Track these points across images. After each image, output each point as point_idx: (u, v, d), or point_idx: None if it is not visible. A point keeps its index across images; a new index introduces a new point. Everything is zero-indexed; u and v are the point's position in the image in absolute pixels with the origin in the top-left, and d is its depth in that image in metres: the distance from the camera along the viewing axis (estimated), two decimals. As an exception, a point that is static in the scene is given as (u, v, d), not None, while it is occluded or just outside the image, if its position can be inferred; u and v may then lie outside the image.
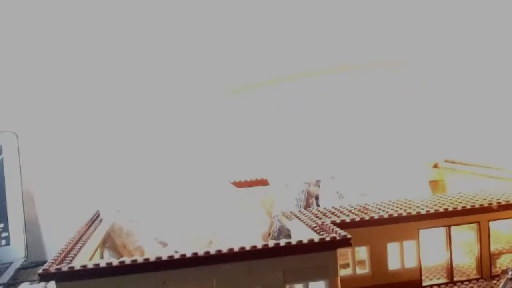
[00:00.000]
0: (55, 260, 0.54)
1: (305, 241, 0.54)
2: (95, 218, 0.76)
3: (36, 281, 0.90)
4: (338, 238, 0.55)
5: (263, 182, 1.00)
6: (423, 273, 0.74)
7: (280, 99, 1.03)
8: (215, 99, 1.07)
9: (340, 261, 0.61)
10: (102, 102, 1.09)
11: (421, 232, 0.73)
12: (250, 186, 0.99)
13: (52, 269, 0.50)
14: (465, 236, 0.80)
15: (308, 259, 0.54)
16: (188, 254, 0.53)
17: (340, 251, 0.68)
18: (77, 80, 1.08)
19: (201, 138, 1.08)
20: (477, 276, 0.74)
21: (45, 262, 1.01)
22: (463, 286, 0.73)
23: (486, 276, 0.74)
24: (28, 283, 0.89)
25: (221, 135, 1.09)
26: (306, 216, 0.69)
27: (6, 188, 1.06)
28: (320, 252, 0.55)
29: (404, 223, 0.70)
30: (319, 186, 0.85)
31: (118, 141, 1.08)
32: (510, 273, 0.57)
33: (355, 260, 0.73)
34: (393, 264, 0.72)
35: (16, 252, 1.04)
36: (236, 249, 0.53)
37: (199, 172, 1.03)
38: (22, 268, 0.98)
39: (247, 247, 0.53)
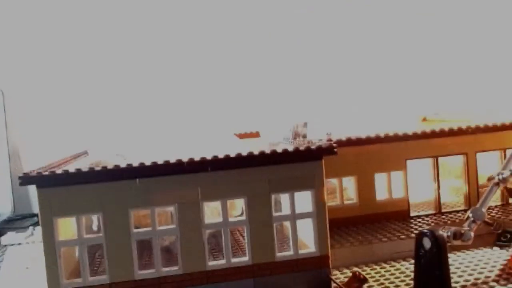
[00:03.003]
0: (37, 169, 0.53)
1: (290, 149, 0.54)
2: (82, 154, 0.76)
3: (24, 228, 0.90)
4: (323, 146, 0.54)
5: (255, 135, 1.00)
6: (411, 207, 0.74)
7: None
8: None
9: (328, 201, 0.60)
10: (90, 51, 1.07)
11: (409, 163, 0.73)
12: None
13: (33, 173, 0.49)
14: (453, 182, 0.80)
15: (294, 169, 0.54)
16: (172, 161, 0.52)
17: (328, 188, 0.68)
18: (65, 33, 1.07)
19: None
20: (465, 208, 0.74)
21: (32, 214, 1.00)
22: (450, 215, 0.73)
23: (474, 207, 0.74)
24: (14, 232, 0.88)
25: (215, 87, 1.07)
26: (293, 143, 0.68)
27: (-8, 144, 1.05)
28: (306, 162, 0.54)
29: (391, 151, 0.70)
30: (306, 127, 0.84)
31: (110, 91, 1.07)
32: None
33: (343, 195, 0.73)
34: (380, 194, 0.72)
35: (3, 207, 1.04)
36: (221, 156, 0.52)
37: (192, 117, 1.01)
38: (9, 220, 0.98)
39: (232, 155, 0.53)
